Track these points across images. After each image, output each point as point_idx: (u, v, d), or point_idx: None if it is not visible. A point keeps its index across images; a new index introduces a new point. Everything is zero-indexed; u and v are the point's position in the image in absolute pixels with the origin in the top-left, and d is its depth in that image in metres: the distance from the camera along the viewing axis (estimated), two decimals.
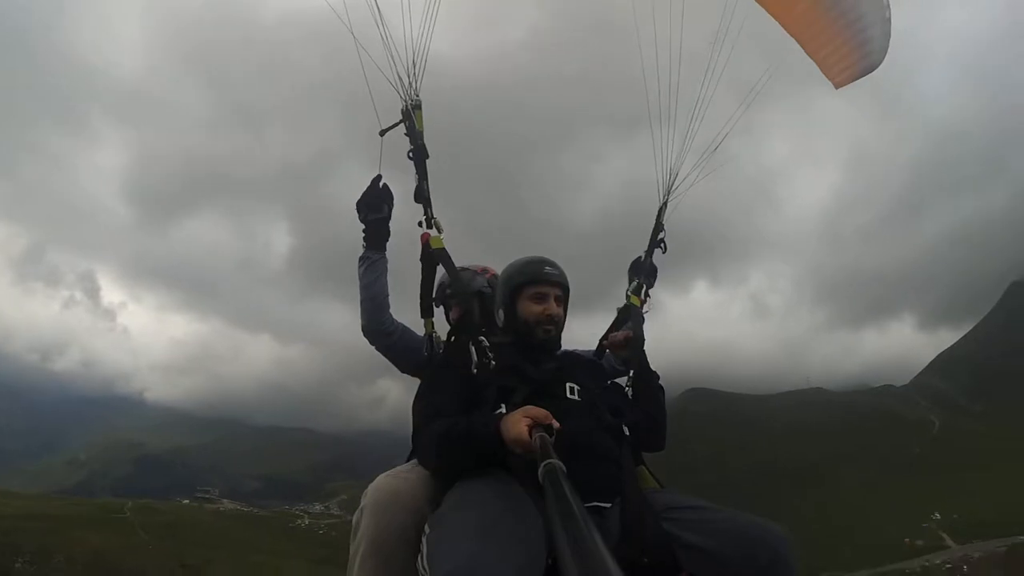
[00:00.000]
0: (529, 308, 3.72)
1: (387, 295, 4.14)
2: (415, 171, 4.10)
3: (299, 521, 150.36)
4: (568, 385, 3.51)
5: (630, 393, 3.99)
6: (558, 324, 3.78)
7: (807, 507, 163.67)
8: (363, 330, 4.17)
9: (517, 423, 2.71)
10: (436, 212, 4.04)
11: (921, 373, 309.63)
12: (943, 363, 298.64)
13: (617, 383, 4.04)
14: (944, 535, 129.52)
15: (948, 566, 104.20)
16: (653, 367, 4.16)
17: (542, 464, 2.10)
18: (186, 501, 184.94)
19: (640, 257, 4.87)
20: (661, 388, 4.04)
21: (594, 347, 4.51)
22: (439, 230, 4.03)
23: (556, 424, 2.71)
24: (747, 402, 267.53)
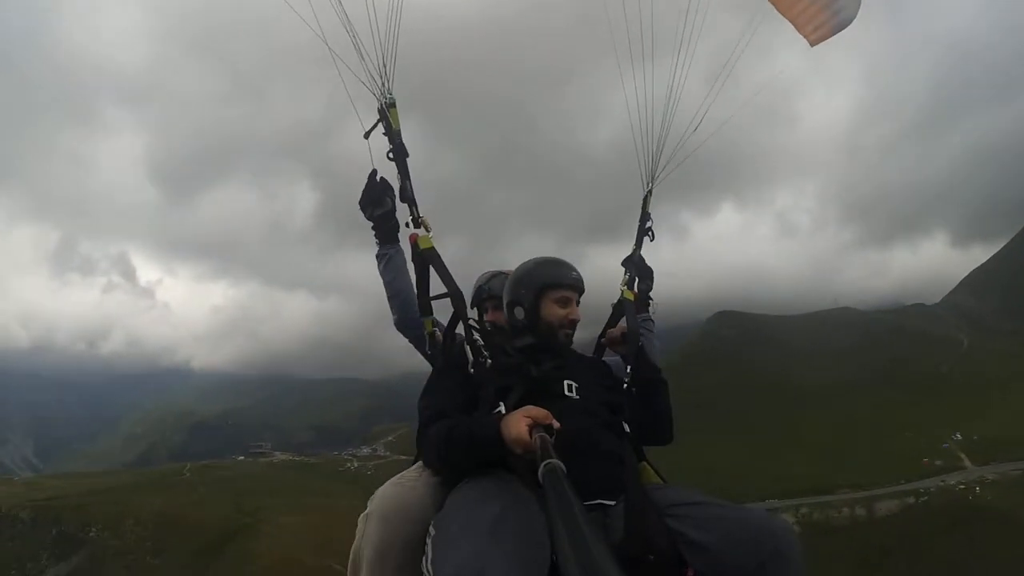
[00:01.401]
0: (554, 311, 3.74)
1: (412, 288, 4.06)
2: (397, 171, 4.07)
3: (348, 464, 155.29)
4: (567, 383, 3.51)
5: (631, 388, 3.94)
6: (575, 328, 3.85)
7: (827, 425, 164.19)
8: (395, 325, 4.22)
9: (517, 423, 2.76)
10: (424, 211, 4.00)
11: (952, 291, 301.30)
12: (974, 281, 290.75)
13: (618, 380, 3.97)
14: (963, 455, 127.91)
15: (961, 487, 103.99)
16: (656, 363, 4.21)
17: (542, 464, 2.16)
18: (241, 458, 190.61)
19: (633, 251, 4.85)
20: (664, 382, 4.01)
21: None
22: (427, 229, 3.96)
23: (556, 424, 2.78)
24: (775, 323, 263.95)
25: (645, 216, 4.88)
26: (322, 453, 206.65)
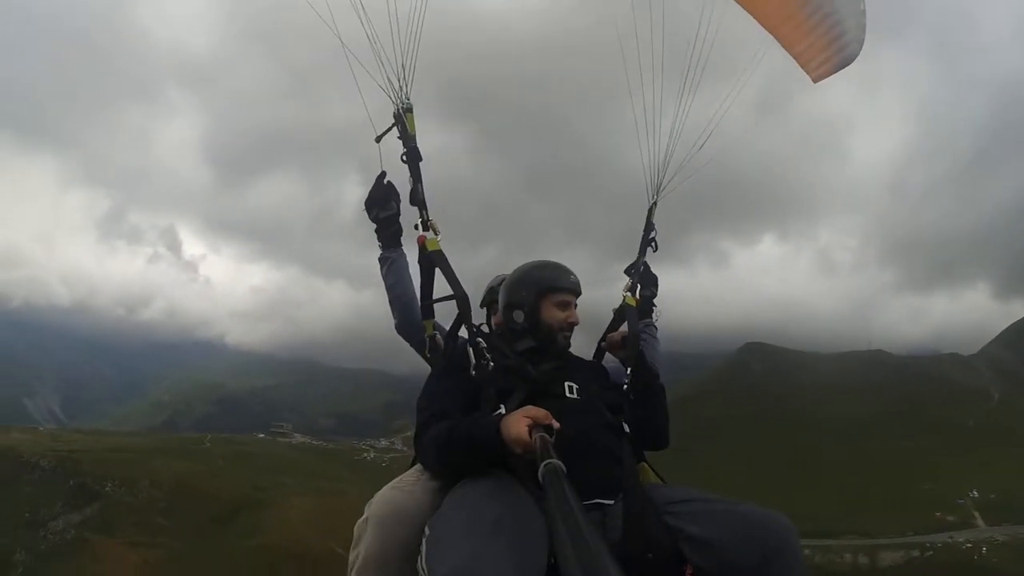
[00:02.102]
0: (554, 314, 3.76)
1: (414, 294, 4.11)
2: (409, 174, 4.09)
3: (365, 454, 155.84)
4: (567, 384, 3.52)
5: (630, 392, 3.92)
6: (573, 331, 3.88)
7: (845, 466, 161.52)
8: (396, 328, 4.21)
9: (517, 423, 2.76)
10: (433, 215, 4.03)
11: (990, 343, 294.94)
12: (1012, 334, 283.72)
13: (618, 382, 3.98)
14: (976, 513, 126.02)
15: (968, 545, 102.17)
16: (653, 366, 4.16)
17: (542, 464, 2.17)
18: (261, 435, 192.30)
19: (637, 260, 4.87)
20: (662, 387, 3.99)
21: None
22: (436, 232, 3.98)
23: (556, 424, 2.77)
24: (804, 359, 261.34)
25: (649, 227, 4.92)
26: (341, 440, 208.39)
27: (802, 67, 5.27)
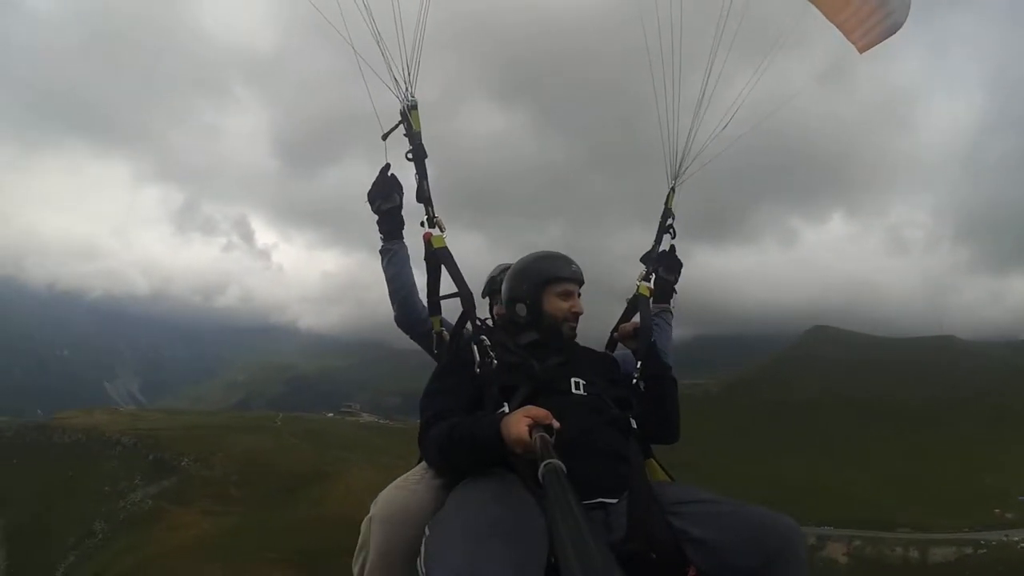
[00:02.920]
0: (557, 305, 3.69)
1: (413, 285, 4.12)
2: (415, 171, 4.05)
3: None
4: (573, 380, 3.44)
5: (640, 384, 3.80)
6: (578, 321, 3.81)
7: (906, 456, 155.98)
8: (395, 321, 4.18)
9: (517, 423, 2.69)
10: (439, 211, 3.96)
11: None
12: None
13: (627, 375, 3.85)
14: None
15: (1022, 546, 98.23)
16: (668, 359, 4.13)
17: (542, 464, 2.13)
18: (330, 414, 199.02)
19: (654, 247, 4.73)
20: (673, 380, 3.90)
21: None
22: (441, 229, 3.93)
23: (556, 424, 2.70)
24: (872, 344, 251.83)
25: (667, 213, 4.75)
26: (406, 419, 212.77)
27: (846, 36, 5.06)
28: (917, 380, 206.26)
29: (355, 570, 3.08)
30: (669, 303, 4.65)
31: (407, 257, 4.16)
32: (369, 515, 3.11)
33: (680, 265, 4.74)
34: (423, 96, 4.05)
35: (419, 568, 2.55)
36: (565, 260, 3.82)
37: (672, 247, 4.71)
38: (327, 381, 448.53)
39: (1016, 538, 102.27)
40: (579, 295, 3.81)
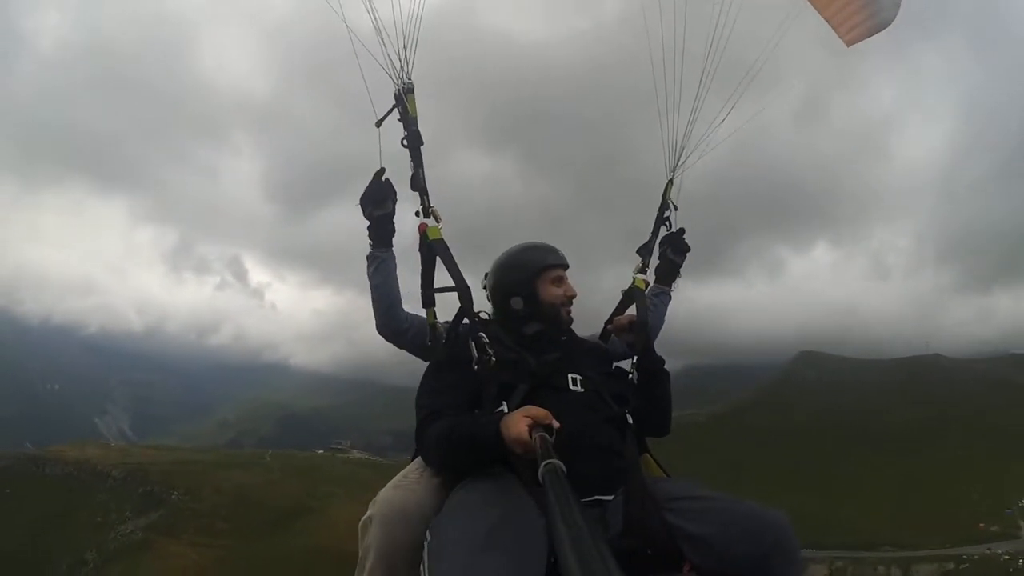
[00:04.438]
0: (552, 291, 3.73)
1: (398, 295, 4.07)
2: (410, 158, 3.97)
3: None
4: (571, 376, 3.46)
5: (634, 378, 3.83)
6: (572, 303, 3.83)
7: (894, 476, 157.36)
8: (377, 329, 4.10)
9: (517, 424, 2.71)
10: (434, 201, 3.90)
11: None
12: None
13: (622, 368, 3.92)
14: (1022, 524, 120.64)
15: (1006, 557, 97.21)
16: (660, 352, 4.03)
17: (542, 464, 2.12)
18: (321, 451, 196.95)
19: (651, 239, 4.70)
20: (666, 372, 3.87)
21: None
22: (437, 219, 3.88)
23: (556, 424, 2.72)
24: (858, 367, 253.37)
25: (664, 205, 4.71)
26: (398, 456, 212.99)
27: (835, 30, 5.07)
28: (904, 400, 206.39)
29: (357, 571, 3.09)
30: (671, 286, 4.74)
31: (395, 267, 4.10)
32: (367, 515, 3.14)
33: (688, 248, 4.75)
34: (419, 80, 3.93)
35: (423, 573, 2.60)
36: (549, 247, 3.88)
37: (681, 230, 4.71)
38: (319, 419, 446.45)
39: (999, 551, 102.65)
40: (567, 278, 3.85)
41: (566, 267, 3.85)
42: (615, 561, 1.48)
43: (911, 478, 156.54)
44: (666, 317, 4.72)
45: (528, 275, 3.75)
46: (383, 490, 3.23)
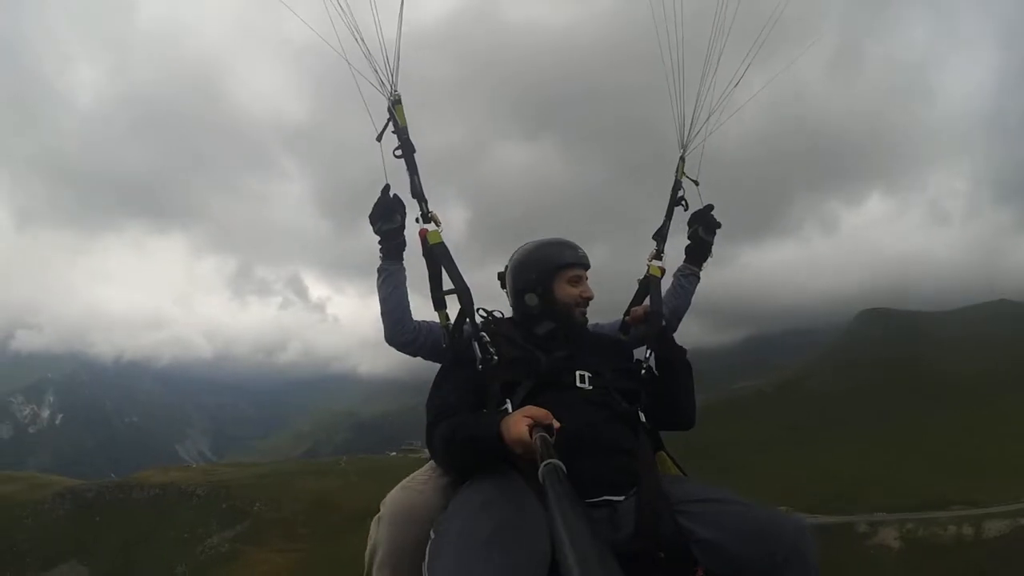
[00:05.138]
0: (568, 291, 3.67)
1: (406, 306, 4.07)
2: (406, 167, 4.00)
3: None
4: (579, 373, 3.41)
5: (653, 370, 3.70)
6: (588, 305, 3.77)
7: (964, 431, 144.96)
8: (385, 340, 4.11)
9: (517, 424, 2.70)
10: (434, 207, 3.91)
11: None
12: None
13: (639, 360, 3.77)
14: None
15: None
16: (680, 342, 3.91)
17: (542, 464, 2.10)
18: (393, 453, 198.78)
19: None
20: (686, 363, 3.72)
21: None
22: (436, 224, 3.89)
23: (556, 424, 2.69)
24: (923, 320, 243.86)
25: (677, 185, 4.53)
26: None
27: None
28: (972, 350, 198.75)
29: (366, 569, 3.15)
30: (700, 267, 4.53)
31: (404, 279, 4.10)
32: (377, 515, 3.24)
33: (719, 225, 4.50)
34: (408, 92, 3.99)
35: (424, 571, 2.61)
36: (571, 245, 3.79)
37: (710, 206, 4.48)
38: (390, 423, 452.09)
39: None
40: (587, 279, 3.78)
41: (586, 267, 3.78)
42: (615, 561, 1.48)
43: (982, 432, 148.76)
44: (693, 299, 4.56)
45: (545, 273, 3.71)
46: (392, 491, 3.36)
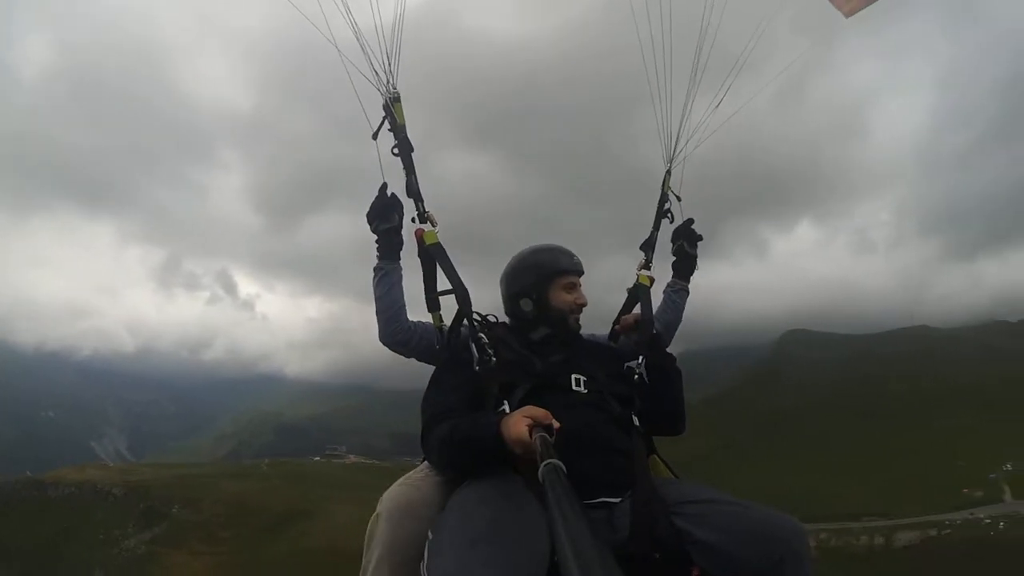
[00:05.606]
0: (563, 297, 3.69)
1: (402, 305, 3.99)
2: (403, 166, 3.96)
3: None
4: (574, 377, 3.43)
5: (644, 377, 3.72)
6: (581, 312, 3.78)
7: (882, 447, 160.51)
8: (380, 339, 4.01)
9: (517, 424, 2.68)
10: (430, 206, 3.91)
11: None
12: None
13: (631, 367, 3.74)
14: (1006, 488, 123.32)
15: (987, 521, 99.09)
16: (671, 349, 4.01)
17: (542, 464, 2.10)
18: (317, 458, 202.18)
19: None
20: (677, 371, 3.79)
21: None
22: (433, 224, 3.87)
23: (556, 424, 2.68)
24: (845, 342, 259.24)
25: (663, 197, 4.57)
26: (396, 459, 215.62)
27: (832, 2, 4.99)
28: (892, 372, 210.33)
29: (364, 567, 3.08)
30: (689, 280, 4.59)
31: (400, 278, 4.03)
32: (376, 512, 3.16)
33: (700, 238, 4.58)
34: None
35: (422, 571, 2.58)
36: (567, 252, 3.80)
37: (690, 220, 4.57)
38: (316, 427, 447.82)
39: (982, 515, 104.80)
40: (581, 286, 3.81)
41: (580, 274, 3.82)
42: (614, 561, 1.49)
43: (899, 449, 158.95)
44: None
45: (541, 278, 3.72)
46: (390, 488, 3.29)
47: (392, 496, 3.14)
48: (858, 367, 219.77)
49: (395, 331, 3.92)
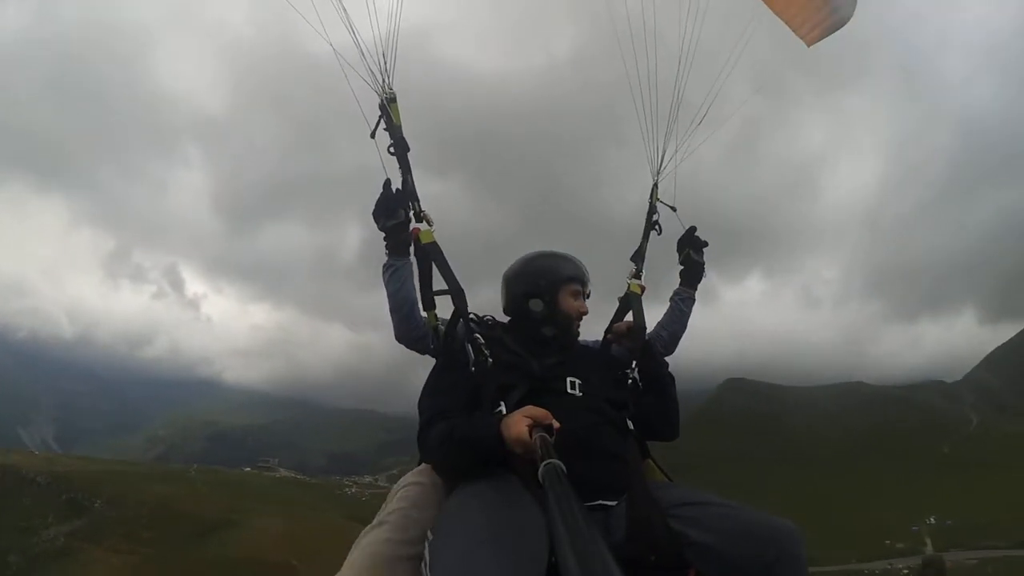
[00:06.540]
0: (571, 303, 3.75)
1: (415, 301, 3.97)
2: (398, 166, 4.02)
3: (346, 489, 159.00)
4: (569, 380, 3.46)
5: (637, 382, 3.80)
6: (582, 320, 3.85)
7: (811, 497, 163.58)
8: (396, 337, 4.02)
9: (517, 424, 2.72)
10: (426, 205, 3.91)
11: (974, 369, 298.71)
12: (996, 358, 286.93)
13: (625, 373, 3.83)
14: (928, 540, 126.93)
15: (905, 571, 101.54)
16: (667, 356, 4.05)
17: (542, 464, 2.10)
18: (247, 469, 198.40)
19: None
20: (671, 377, 3.87)
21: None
22: (429, 223, 3.92)
23: (556, 424, 2.71)
24: (783, 393, 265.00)
25: (651, 209, 4.68)
26: (327, 478, 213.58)
27: (795, 31, 5.06)
28: (826, 425, 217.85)
29: (372, 527, 3.03)
30: (695, 289, 4.63)
31: (411, 273, 3.99)
32: (402, 483, 3.29)
33: (705, 244, 4.64)
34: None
35: (424, 572, 2.59)
36: (575, 261, 3.88)
37: (693, 227, 4.63)
38: (250, 438, 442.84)
39: (900, 565, 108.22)
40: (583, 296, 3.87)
41: (588, 284, 3.88)
42: (614, 560, 1.50)
43: (828, 499, 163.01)
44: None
45: (553, 281, 3.75)
46: (400, 480, 3.35)
47: (404, 485, 3.28)
48: (794, 418, 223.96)
49: (411, 328, 3.97)
